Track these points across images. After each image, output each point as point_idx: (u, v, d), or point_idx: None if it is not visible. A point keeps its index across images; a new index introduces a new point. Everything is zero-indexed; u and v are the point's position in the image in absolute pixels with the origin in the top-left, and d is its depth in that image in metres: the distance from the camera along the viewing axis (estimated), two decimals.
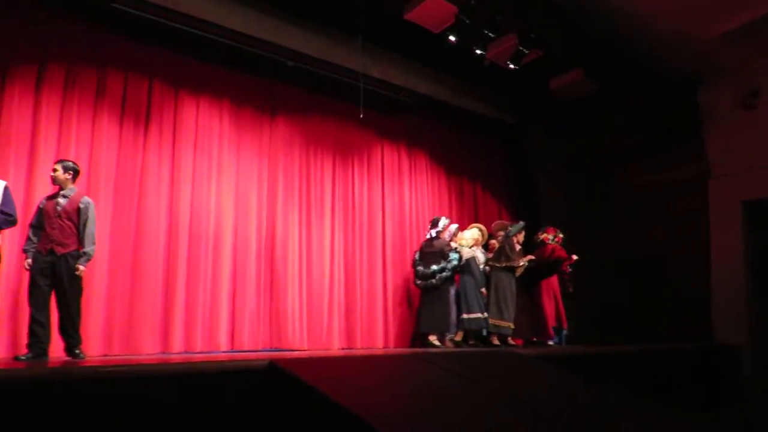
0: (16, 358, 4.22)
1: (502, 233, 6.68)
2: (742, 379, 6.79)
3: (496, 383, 2.73)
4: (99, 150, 5.33)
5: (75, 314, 4.22)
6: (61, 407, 2.08)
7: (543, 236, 6.93)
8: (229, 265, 5.94)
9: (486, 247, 7.00)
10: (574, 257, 6.85)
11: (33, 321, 4.11)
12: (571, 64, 7.30)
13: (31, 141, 4.99)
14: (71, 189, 4.33)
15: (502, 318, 6.29)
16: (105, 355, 4.98)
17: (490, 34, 6.21)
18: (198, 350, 5.50)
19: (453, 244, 6.65)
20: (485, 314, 6.40)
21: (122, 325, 5.17)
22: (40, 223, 4.22)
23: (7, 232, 4.13)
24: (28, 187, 4.85)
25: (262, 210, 6.33)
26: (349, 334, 6.70)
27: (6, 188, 4.05)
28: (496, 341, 6.43)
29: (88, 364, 2.75)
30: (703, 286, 7.36)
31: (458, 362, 3.28)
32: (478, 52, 6.40)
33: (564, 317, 6.80)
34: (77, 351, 4.18)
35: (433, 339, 6.36)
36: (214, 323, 5.70)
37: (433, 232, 6.72)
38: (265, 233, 6.29)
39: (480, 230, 6.97)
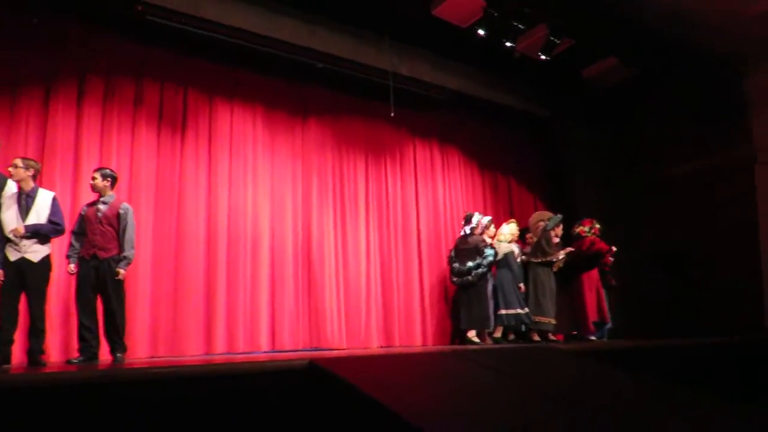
0: (68, 362, 4.40)
1: (542, 224, 6.56)
2: None
3: (536, 379, 2.69)
4: (139, 158, 5.50)
5: (120, 320, 4.34)
6: (110, 408, 2.16)
7: (579, 229, 6.78)
8: (267, 267, 6.03)
9: (523, 239, 6.91)
10: (614, 248, 6.68)
11: (81, 326, 4.28)
12: (604, 51, 7.11)
13: (75, 152, 5.19)
14: (110, 195, 4.48)
15: (542, 314, 6.19)
16: (151, 357, 5.13)
17: (519, 25, 6.13)
18: (240, 351, 5.61)
19: (488, 240, 6.59)
20: (525, 310, 6.32)
21: (167, 328, 5.32)
22: (82, 229, 4.38)
23: (55, 240, 4.30)
24: (74, 197, 5.04)
25: (298, 211, 6.41)
26: (387, 332, 6.72)
27: (54, 199, 4.22)
28: (536, 337, 6.34)
29: (135, 366, 2.84)
30: (751, 275, 7.08)
31: (497, 359, 3.25)
32: (508, 44, 6.32)
33: (606, 311, 6.62)
34: (119, 356, 4.30)
35: (472, 335, 6.32)
36: (254, 324, 5.80)
37: (467, 229, 6.66)
38: (301, 234, 6.37)
39: (516, 224, 6.89)
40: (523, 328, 6.46)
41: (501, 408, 2.23)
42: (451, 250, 6.87)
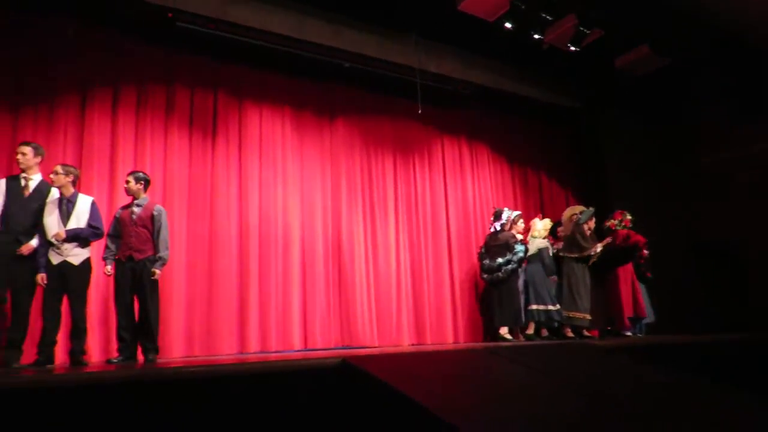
0: (108, 361, 4.53)
1: (576, 218, 6.45)
2: None
3: (569, 376, 2.65)
4: (172, 162, 5.63)
5: (154, 321, 4.41)
6: (148, 406, 2.21)
7: (609, 223, 6.65)
8: (299, 267, 6.09)
9: (554, 234, 6.81)
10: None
11: (119, 326, 4.41)
12: (636, 40, 6.95)
13: (111, 158, 5.34)
14: (144, 198, 4.59)
15: (576, 309, 6.09)
16: (186, 357, 5.24)
17: (547, 17, 6.04)
18: (273, 350, 5.68)
19: (518, 236, 6.52)
20: (556, 306, 6.23)
21: (201, 328, 5.43)
22: (117, 231, 4.49)
23: (94, 244, 4.43)
24: (110, 201, 5.18)
25: (327, 211, 6.45)
26: (418, 330, 6.72)
27: (93, 203, 4.36)
28: (569, 333, 6.25)
29: (172, 366, 2.91)
30: None
31: (530, 355, 3.22)
32: (536, 37, 6.23)
33: (642, 305, 6.46)
34: (151, 357, 4.37)
35: (504, 332, 6.27)
36: (287, 323, 5.87)
37: (497, 225, 6.61)
38: (331, 234, 6.42)
39: (550, 221, 6.81)
40: (555, 324, 6.37)
41: (534, 405, 2.21)
42: (481, 247, 6.83)
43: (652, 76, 7.55)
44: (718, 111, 7.69)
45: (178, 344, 5.26)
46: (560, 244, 6.51)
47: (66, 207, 4.20)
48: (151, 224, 4.49)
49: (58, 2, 5.06)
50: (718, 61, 7.33)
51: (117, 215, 4.57)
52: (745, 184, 7.49)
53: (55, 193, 4.23)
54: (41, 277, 4.07)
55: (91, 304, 4.67)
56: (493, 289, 6.51)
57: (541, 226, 6.68)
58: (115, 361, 4.38)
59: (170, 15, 5.32)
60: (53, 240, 4.09)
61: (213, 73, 6.05)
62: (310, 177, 6.42)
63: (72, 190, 4.27)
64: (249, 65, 6.24)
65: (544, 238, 6.60)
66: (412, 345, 6.56)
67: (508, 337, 6.24)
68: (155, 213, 4.53)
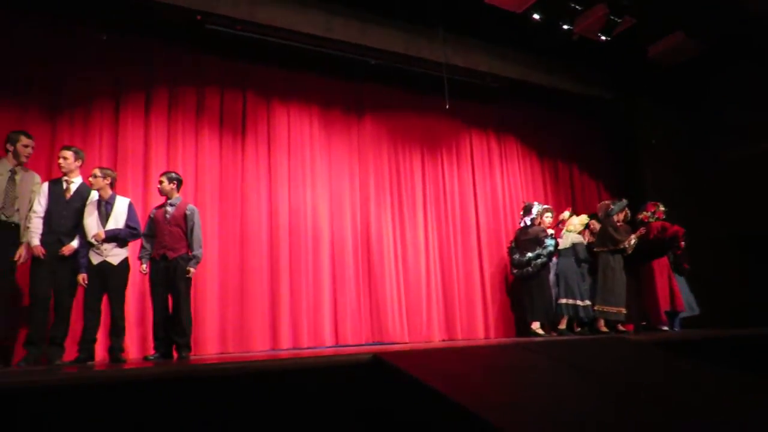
0: (145, 358, 4.65)
1: (610, 208, 6.33)
2: None
3: (603, 371, 2.61)
4: (203, 163, 5.73)
5: (186, 319, 4.48)
6: (185, 402, 2.26)
7: (642, 215, 6.50)
8: (329, 264, 6.14)
9: (586, 227, 6.69)
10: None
11: (155, 324, 4.52)
12: (670, 27, 6.75)
13: (144, 160, 5.47)
14: (177, 198, 4.68)
15: (612, 304, 5.98)
16: (220, 353, 5.34)
17: (576, 6, 5.93)
18: (305, 346, 5.74)
19: (549, 231, 6.44)
20: (585, 302, 6.14)
21: (234, 325, 5.52)
22: (152, 231, 4.60)
23: (131, 243, 4.55)
24: (144, 202, 5.31)
25: (356, 208, 6.48)
26: (449, 325, 6.70)
27: (130, 204, 4.48)
28: (603, 327, 6.14)
29: (206, 362, 2.96)
30: None
31: (562, 350, 3.17)
32: (566, 27, 6.12)
33: (680, 299, 6.29)
34: (184, 355, 4.45)
35: (536, 327, 6.20)
36: (318, 320, 5.92)
37: (528, 220, 6.54)
38: (360, 230, 6.44)
39: (587, 216, 6.70)
40: (585, 319, 6.28)
41: (567, 400, 2.17)
42: (511, 241, 6.77)
43: (686, 65, 7.34)
44: (756, 99, 7.42)
45: (213, 341, 5.36)
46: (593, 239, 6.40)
47: (105, 208, 4.32)
48: (184, 223, 4.58)
49: (91, 11, 5.19)
50: (754, 47, 7.07)
51: (151, 215, 4.68)
52: None
53: (94, 195, 4.36)
54: (82, 277, 4.20)
55: (129, 303, 4.79)
56: (524, 284, 6.45)
57: (577, 221, 6.59)
58: (151, 358, 4.49)
59: (199, 18, 5.42)
60: (93, 240, 4.22)
61: (242, 73, 6.14)
62: (339, 174, 6.45)
63: (110, 192, 4.39)
64: (277, 65, 6.30)
65: (579, 233, 6.50)
66: (443, 340, 6.54)
67: (540, 332, 6.18)
68: (188, 212, 4.62)
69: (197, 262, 4.60)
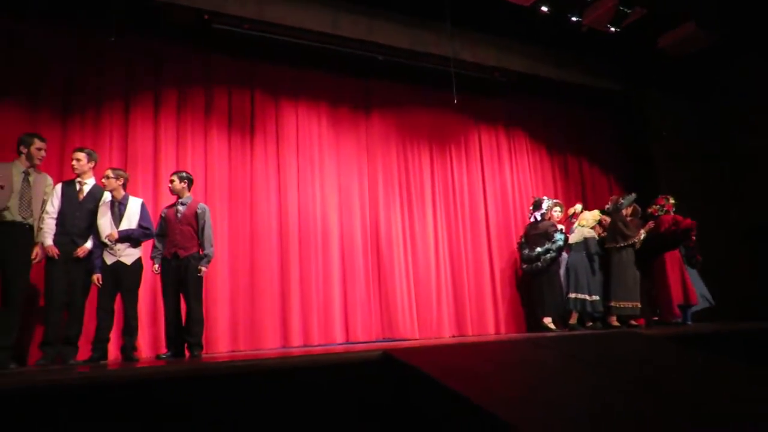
0: (157, 357, 4.69)
1: (620, 202, 6.28)
2: None
3: (614, 366, 2.59)
4: (212, 162, 5.76)
5: (197, 317, 4.51)
6: (197, 399, 2.28)
7: (651, 209, 6.44)
8: (338, 261, 6.15)
9: (599, 223, 6.65)
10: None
11: (167, 322, 4.55)
12: (681, 17, 6.67)
13: (154, 160, 5.51)
14: (188, 197, 4.71)
15: (627, 299, 5.94)
16: (232, 351, 5.37)
17: None
18: (315, 343, 5.76)
19: (559, 226, 6.41)
20: (593, 297, 6.11)
21: (245, 323, 5.55)
22: (163, 230, 4.63)
23: (144, 244, 4.58)
24: (155, 203, 5.34)
25: (365, 205, 6.48)
26: (459, 321, 6.69)
27: (143, 205, 4.53)
28: (614, 322, 6.10)
29: (218, 360, 2.98)
30: None
31: (574, 345, 3.16)
32: (574, 19, 6.07)
33: (693, 292, 6.22)
34: (196, 353, 4.48)
35: (548, 322, 6.18)
36: (328, 317, 5.93)
37: (538, 215, 6.50)
38: (369, 227, 6.45)
39: (599, 212, 6.66)
40: (596, 314, 6.24)
41: (578, 395, 2.16)
42: (521, 237, 6.74)
43: (696, 55, 7.25)
44: (765, 90, 7.32)
45: (224, 339, 5.39)
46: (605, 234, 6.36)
47: (118, 209, 4.36)
48: (195, 222, 4.61)
49: (100, 13, 5.22)
50: (765, 37, 6.97)
51: (162, 214, 4.71)
52: None
53: (107, 196, 4.39)
54: (97, 277, 4.25)
55: (141, 302, 4.82)
56: (533, 280, 6.43)
57: (590, 216, 6.54)
58: (164, 356, 4.53)
59: (207, 17, 5.44)
60: (106, 240, 4.26)
61: (249, 72, 6.15)
62: (348, 171, 6.46)
63: (123, 192, 4.43)
64: (285, 63, 6.31)
65: (591, 227, 6.46)
66: (453, 336, 6.54)
67: (552, 326, 6.15)
68: (199, 211, 4.64)
69: (208, 261, 4.62)
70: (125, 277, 4.30)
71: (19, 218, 3.97)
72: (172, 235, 4.56)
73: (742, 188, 7.62)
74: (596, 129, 8.35)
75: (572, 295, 6.20)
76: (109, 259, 4.28)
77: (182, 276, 4.50)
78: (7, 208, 3.91)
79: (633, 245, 6.05)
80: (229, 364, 2.53)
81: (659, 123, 7.96)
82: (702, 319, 6.54)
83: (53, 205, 4.22)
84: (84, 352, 4.28)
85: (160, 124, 5.59)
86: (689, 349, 3.21)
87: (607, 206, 6.53)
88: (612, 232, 6.17)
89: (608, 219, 6.41)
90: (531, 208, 6.69)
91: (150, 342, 5.10)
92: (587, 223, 6.47)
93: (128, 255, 4.33)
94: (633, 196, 6.32)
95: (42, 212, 4.18)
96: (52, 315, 4.11)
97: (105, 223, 4.30)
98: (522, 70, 7.14)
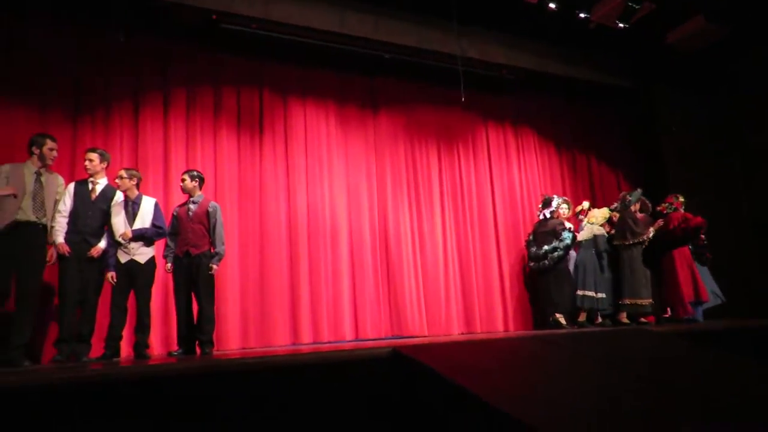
0: (169, 354, 4.73)
1: (628, 199, 6.26)
2: None
3: (624, 362, 2.59)
4: (221, 161, 5.79)
5: (208, 315, 4.55)
6: (208, 395, 2.31)
7: (661, 207, 6.40)
8: (347, 259, 6.17)
9: (609, 221, 6.62)
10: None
11: (179, 320, 4.59)
12: (690, 12, 6.62)
13: (164, 160, 5.55)
14: (199, 195, 4.75)
15: (639, 296, 5.92)
16: (242, 348, 5.41)
17: None
18: (325, 341, 5.79)
19: (568, 224, 6.39)
20: (600, 294, 6.10)
21: (255, 320, 5.59)
22: (175, 229, 4.67)
23: (157, 242, 4.62)
24: (165, 202, 5.38)
25: (374, 203, 6.50)
26: (468, 318, 6.69)
27: (156, 204, 4.57)
28: (624, 319, 6.08)
29: (229, 357, 3.01)
30: None
31: (583, 342, 3.16)
32: (582, 15, 6.04)
33: (703, 288, 6.18)
34: (207, 351, 4.51)
35: (560, 317, 6.17)
36: (338, 314, 5.96)
37: (547, 213, 6.49)
38: (378, 225, 6.46)
39: (609, 210, 6.63)
40: (605, 311, 6.23)
41: (588, 392, 2.17)
42: (529, 234, 6.73)
43: (706, 50, 7.19)
44: None
45: (234, 337, 5.43)
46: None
47: (131, 208, 4.40)
48: (206, 220, 4.65)
49: (109, 14, 5.27)
50: None
51: (174, 213, 4.75)
52: None
53: (119, 195, 4.44)
54: (111, 275, 4.29)
55: (153, 300, 4.86)
56: (541, 277, 6.42)
57: (600, 214, 6.52)
58: (175, 354, 4.57)
59: (215, 17, 5.47)
60: (120, 239, 4.30)
61: (257, 72, 6.18)
62: (356, 170, 6.48)
63: (136, 192, 4.47)
64: (292, 63, 6.34)
65: (601, 225, 6.43)
66: (462, 334, 6.54)
67: (563, 322, 6.14)
68: (210, 209, 4.68)
69: (220, 259, 4.66)
70: (139, 276, 4.35)
71: (33, 218, 4.02)
72: (184, 233, 4.60)
73: (752, 183, 7.55)
74: (605, 125, 8.31)
75: (580, 293, 6.20)
76: (123, 258, 4.32)
77: (194, 274, 4.54)
78: (20, 209, 3.96)
79: (642, 243, 6.02)
80: (240, 361, 2.56)
81: (668, 118, 7.90)
82: (711, 316, 6.50)
83: (65, 204, 4.27)
84: (97, 349, 4.33)
85: (169, 124, 5.63)
86: (699, 346, 3.20)
87: (615, 204, 6.52)
88: (621, 230, 6.14)
89: (618, 216, 6.38)
90: (540, 205, 6.67)
91: (162, 339, 5.15)
92: (597, 220, 6.45)
93: (142, 254, 4.38)
94: (639, 191, 6.30)
95: (54, 211, 4.23)
96: (66, 313, 4.15)
97: (119, 222, 4.35)
98: (530, 67, 7.11)
